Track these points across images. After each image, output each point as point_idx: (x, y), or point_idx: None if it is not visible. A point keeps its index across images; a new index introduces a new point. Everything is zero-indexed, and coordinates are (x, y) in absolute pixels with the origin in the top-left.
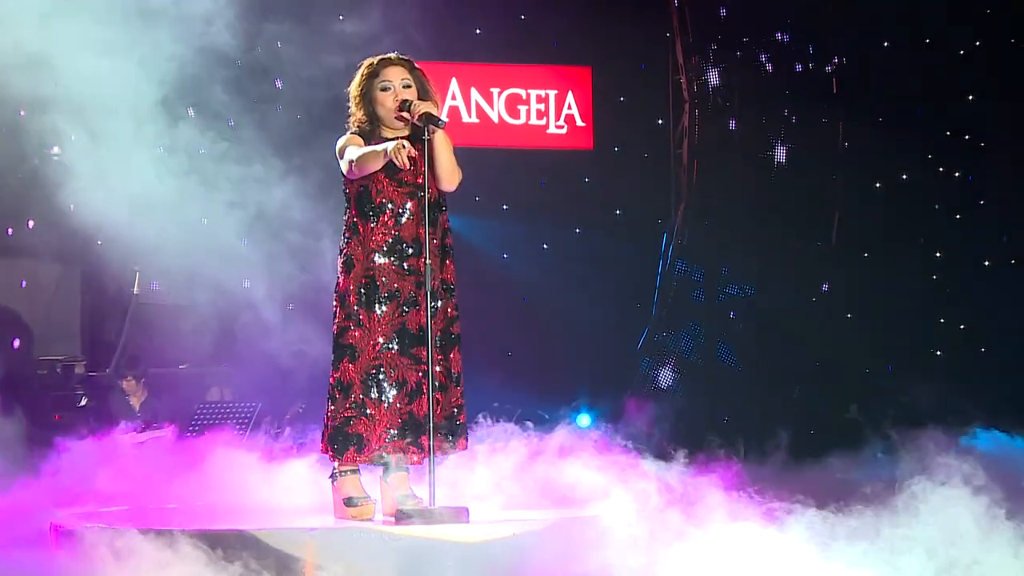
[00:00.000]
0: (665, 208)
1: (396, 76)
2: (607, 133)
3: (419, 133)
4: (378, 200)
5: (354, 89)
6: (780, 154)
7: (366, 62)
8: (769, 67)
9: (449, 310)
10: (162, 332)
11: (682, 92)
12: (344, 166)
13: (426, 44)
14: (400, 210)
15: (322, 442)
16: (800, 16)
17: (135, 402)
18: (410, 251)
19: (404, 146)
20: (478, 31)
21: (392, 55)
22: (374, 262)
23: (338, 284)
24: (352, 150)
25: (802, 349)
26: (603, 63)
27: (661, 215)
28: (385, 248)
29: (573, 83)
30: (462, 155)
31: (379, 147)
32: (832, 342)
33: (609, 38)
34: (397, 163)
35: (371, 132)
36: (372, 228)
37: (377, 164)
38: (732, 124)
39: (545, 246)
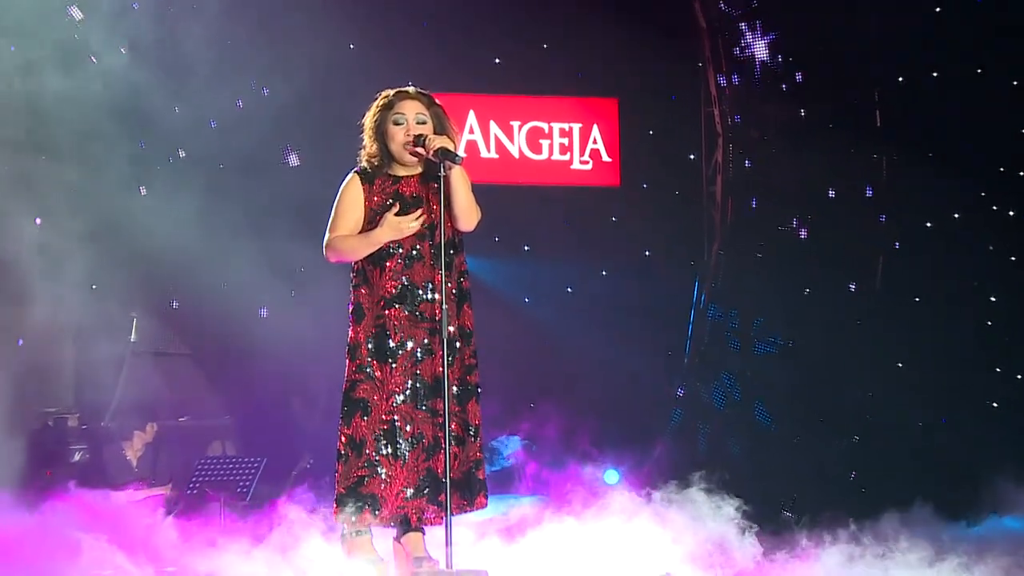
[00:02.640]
0: (697, 249)
1: (411, 110)
2: (635, 169)
3: (434, 169)
4: (387, 243)
5: (368, 121)
6: (820, 192)
7: (382, 94)
8: (808, 98)
9: (467, 358)
10: (161, 382)
11: (715, 125)
12: (327, 243)
13: (441, 74)
14: (412, 252)
15: (334, 504)
16: (841, 44)
17: (132, 457)
18: (424, 296)
19: (408, 220)
20: (497, 60)
21: (410, 88)
22: (384, 310)
23: (348, 335)
24: (340, 238)
25: (847, 402)
26: (630, 94)
27: (693, 256)
28: (396, 294)
29: (598, 116)
30: (480, 192)
31: (375, 235)
32: (881, 394)
33: (637, 68)
34: (404, 233)
35: (380, 169)
36: (381, 273)
37: (366, 252)
38: (768, 159)
39: (569, 289)
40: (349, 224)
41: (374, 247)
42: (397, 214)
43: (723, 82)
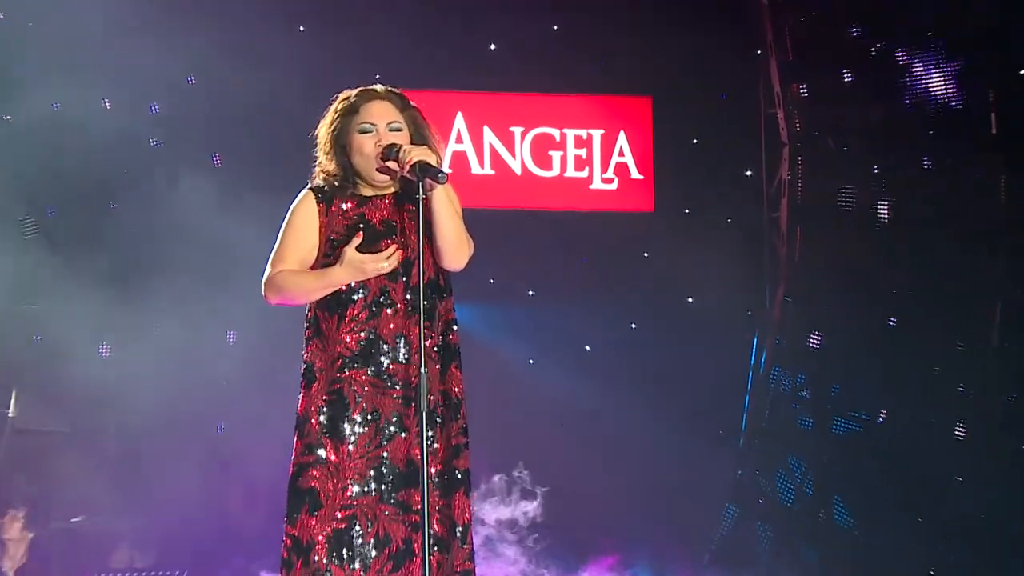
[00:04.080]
0: (756, 295)
1: (381, 115)
2: (674, 189)
3: (411, 190)
4: (347, 283)
5: (323, 131)
6: (917, 219)
7: (342, 95)
8: (905, 99)
9: (453, 436)
10: (48, 470)
11: (778, 132)
12: (266, 279)
13: (419, 66)
14: (380, 297)
15: None
16: (944, 29)
17: (8, 567)
18: (394, 355)
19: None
20: (492, 46)
21: (379, 87)
22: (342, 372)
23: (297, 404)
24: (285, 274)
25: (954, 496)
26: (668, 91)
27: (750, 304)
28: (358, 352)
29: (627, 119)
30: (471, 219)
31: (331, 273)
32: (996, 488)
33: (676, 57)
34: (369, 273)
35: (342, 189)
36: (339, 323)
37: (320, 294)
38: (850, 177)
39: (588, 348)
40: (299, 255)
41: (330, 288)
42: (362, 246)
43: (790, 75)
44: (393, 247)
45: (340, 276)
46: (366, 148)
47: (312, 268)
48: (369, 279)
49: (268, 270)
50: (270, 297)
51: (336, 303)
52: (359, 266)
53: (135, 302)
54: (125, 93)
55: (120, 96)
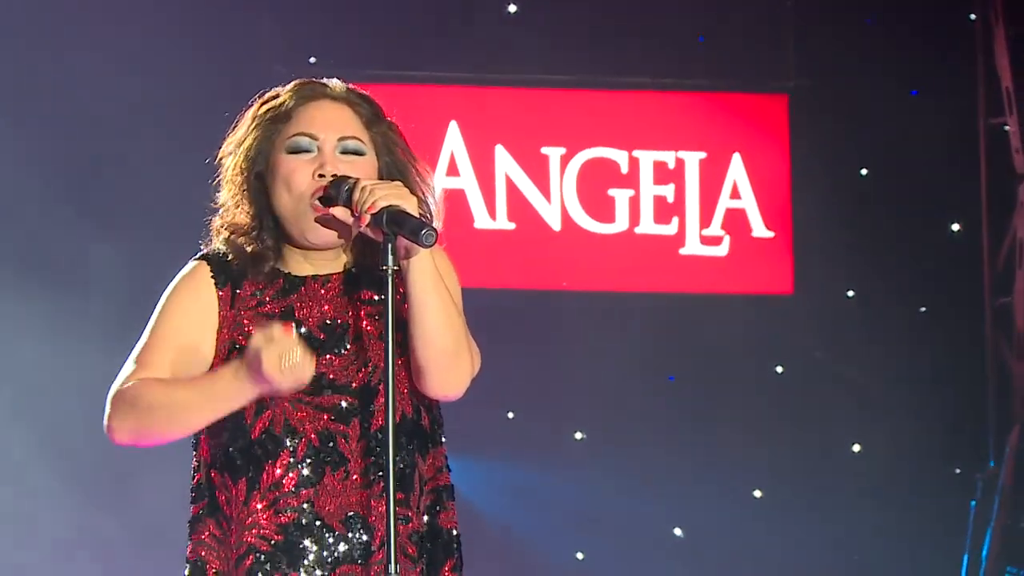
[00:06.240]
0: (970, 441)
1: (329, 124)
2: (824, 256)
3: (373, 258)
4: (262, 426)
5: (233, 154)
6: None
7: (267, 94)
8: None
9: None
10: None
11: (1010, 156)
12: (114, 393)
13: (393, 45)
14: (320, 449)
15: None
16: None
17: None
18: (345, 550)
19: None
20: (512, 8)
21: (331, 81)
22: None
23: None
24: (149, 384)
25: None
26: (814, 85)
27: (961, 456)
28: (282, 543)
29: (746, 133)
30: (476, 308)
31: (231, 380)
32: None
33: (831, 29)
34: (298, 379)
35: (256, 263)
36: (249, 494)
37: (206, 421)
38: None
39: (679, 531)
40: (176, 364)
41: (221, 410)
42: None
43: None
44: (343, 350)
45: (240, 383)
46: (296, 179)
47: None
48: (303, 418)
49: (119, 378)
50: (117, 425)
51: (243, 457)
52: (272, 362)
53: None
54: None
55: None
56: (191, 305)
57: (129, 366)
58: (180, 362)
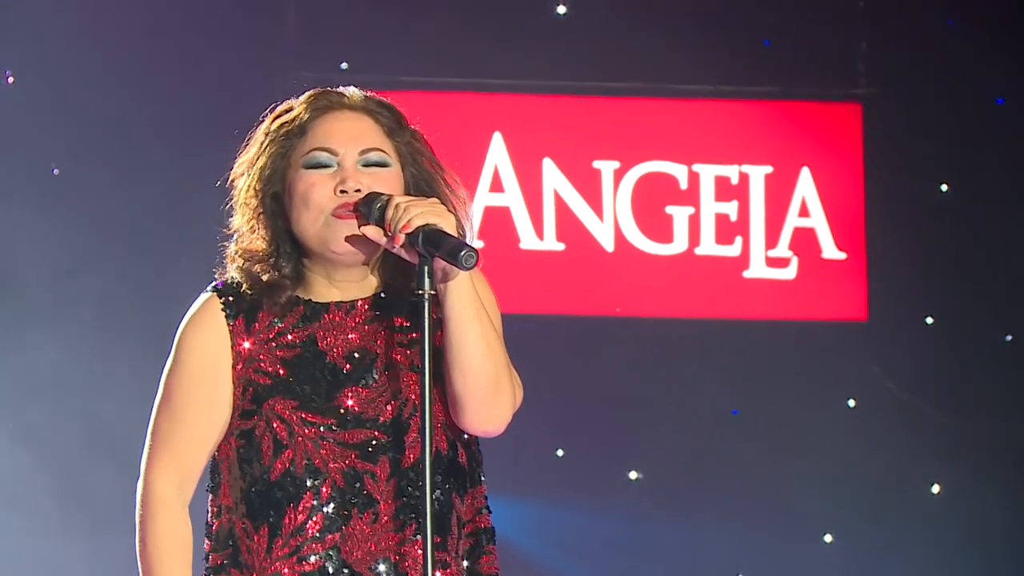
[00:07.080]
0: None
1: (350, 137)
2: (902, 280)
3: (407, 283)
4: (282, 466)
5: (247, 174)
6: None
7: (281, 108)
8: None
9: None
10: None
11: None
12: (139, 505)
13: (426, 49)
14: (347, 491)
15: None
16: None
17: None
18: None
19: None
20: (562, 9)
21: (349, 90)
22: None
23: None
24: (160, 544)
25: None
26: (890, 93)
27: None
28: None
29: (815, 146)
30: (522, 334)
31: None
32: None
33: (906, 33)
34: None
35: (273, 293)
36: (272, 540)
37: None
38: None
39: None
40: (199, 426)
41: None
42: (307, 400)
43: None
44: (377, 385)
45: None
46: (316, 195)
47: (227, 436)
48: (328, 459)
49: (145, 463)
50: (137, 538)
51: (263, 501)
52: None
53: None
54: None
55: None
56: (202, 351)
57: (155, 448)
58: (199, 420)
